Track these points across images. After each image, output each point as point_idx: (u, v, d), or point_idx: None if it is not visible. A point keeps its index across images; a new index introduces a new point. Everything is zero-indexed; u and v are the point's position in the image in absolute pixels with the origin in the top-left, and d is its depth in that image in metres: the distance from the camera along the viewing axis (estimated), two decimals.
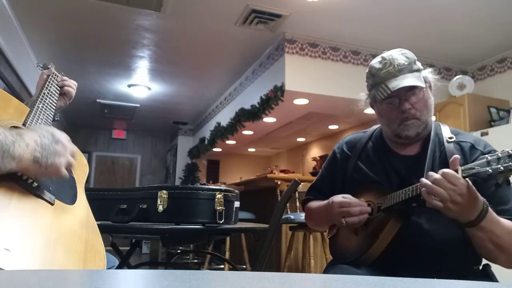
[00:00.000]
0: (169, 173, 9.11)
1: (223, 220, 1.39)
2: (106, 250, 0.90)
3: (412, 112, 1.18)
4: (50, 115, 1.08)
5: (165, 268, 2.80)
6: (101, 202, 1.39)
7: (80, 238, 0.82)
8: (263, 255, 1.47)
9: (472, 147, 1.18)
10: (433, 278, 0.51)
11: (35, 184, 0.78)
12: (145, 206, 1.38)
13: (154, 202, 1.37)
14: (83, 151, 1.11)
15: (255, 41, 4.59)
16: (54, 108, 1.14)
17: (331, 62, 4.57)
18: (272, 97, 4.50)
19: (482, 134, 3.78)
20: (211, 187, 1.45)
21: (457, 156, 1.01)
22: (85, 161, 1.09)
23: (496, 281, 1.12)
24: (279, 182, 3.52)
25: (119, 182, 8.87)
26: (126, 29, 4.32)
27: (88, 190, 1.00)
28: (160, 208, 1.35)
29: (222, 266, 4.48)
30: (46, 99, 1.13)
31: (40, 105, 1.07)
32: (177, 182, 8.30)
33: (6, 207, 0.71)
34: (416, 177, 1.13)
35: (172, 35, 4.46)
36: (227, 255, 3.64)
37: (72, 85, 1.36)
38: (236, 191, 1.55)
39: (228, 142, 6.85)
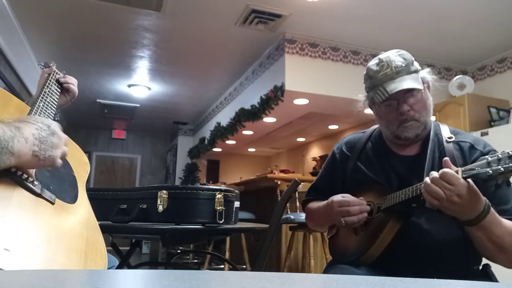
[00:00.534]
0: (169, 173, 9.11)
1: (223, 220, 1.38)
2: (106, 250, 0.90)
3: (411, 113, 1.18)
4: (51, 113, 1.07)
5: (165, 268, 2.80)
6: (101, 202, 1.39)
7: (81, 237, 0.82)
8: (263, 255, 1.47)
9: (472, 147, 1.18)
10: (433, 278, 0.51)
11: (35, 183, 0.78)
12: (145, 206, 1.38)
13: (154, 202, 1.36)
14: (83, 151, 1.11)
15: (255, 41, 4.59)
16: (55, 106, 1.14)
17: (331, 62, 4.57)
18: (272, 97, 4.50)
19: (482, 134, 3.78)
20: (211, 187, 1.45)
21: (446, 158, 1.01)
22: (86, 159, 1.09)
23: (496, 281, 1.12)
24: (279, 182, 3.52)
25: (119, 182, 8.86)
26: (126, 29, 4.32)
27: (88, 190, 1.00)
28: (160, 208, 1.35)
29: (222, 266, 4.48)
30: (47, 97, 1.13)
31: (41, 104, 1.06)
32: (177, 182, 8.30)
33: (5, 206, 0.71)
34: (415, 177, 1.13)
35: (172, 35, 4.46)
36: (227, 255, 3.64)
37: (73, 83, 1.36)
38: (236, 191, 1.55)
39: (228, 142, 6.85)
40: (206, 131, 7.39)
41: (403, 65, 1.17)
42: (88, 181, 1.03)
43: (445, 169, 0.97)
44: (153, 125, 8.66)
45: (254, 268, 1.49)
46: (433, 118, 1.27)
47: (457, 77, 4.83)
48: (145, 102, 6.92)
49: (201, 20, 4.10)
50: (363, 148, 1.34)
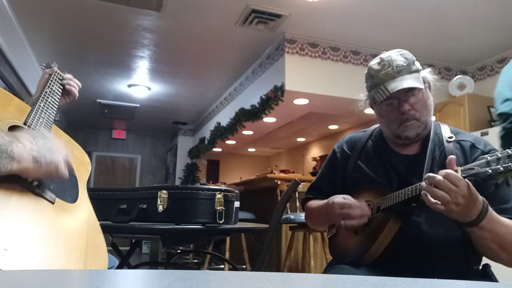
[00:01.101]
0: (169, 173, 9.11)
1: (223, 220, 1.39)
2: (107, 250, 0.90)
3: (412, 113, 1.18)
4: (51, 114, 1.07)
5: (165, 268, 2.80)
6: (101, 202, 1.39)
7: (81, 237, 0.82)
8: (263, 255, 1.46)
9: (473, 146, 1.18)
10: (433, 278, 0.51)
11: (35, 182, 0.78)
12: (145, 206, 1.38)
13: (154, 202, 1.37)
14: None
15: (255, 41, 4.59)
16: (56, 107, 1.14)
17: (331, 62, 4.57)
18: (272, 97, 4.50)
19: (482, 134, 3.78)
20: (211, 187, 1.45)
21: (453, 156, 1.01)
22: (87, 159, 1.09)
23: (496, 281, 1.12)
24: (279, 182, 3.52)
25: (119, 182, 8.86)
26: (126, 29, 4.32)
27: (88, 190, 1.00)
28: (160, 208, 1.35)
29: (222, 266, 4.48)
30: (47, 98, 1.12)
31: (42, 104, 1.06)
32: (177, 182, 8.31)
33: (5, 206, 0.70)
34: (415, 177, 1.13)
35: (172, 35, 4.46)
36: (227, 255, 3.64)
37: (75, 85, 1.35)
38: (236, 191, 1.55)
39: (228, 142, 6.85)
40: (206, 131, 7.39)
41: (404, 64, 1.17)
42: (88, 181, 1.03)
43: (447, 171, 0.96)
44: (153, 125, 8.66)
45: (254, 268, 1.49)
46: (433, 118, 1.28)
47: (457, 77, 4.83)
48: (145, 102, 6.92)
49: (201, 20, 4.10)
50: (364, 147, 1.34)
